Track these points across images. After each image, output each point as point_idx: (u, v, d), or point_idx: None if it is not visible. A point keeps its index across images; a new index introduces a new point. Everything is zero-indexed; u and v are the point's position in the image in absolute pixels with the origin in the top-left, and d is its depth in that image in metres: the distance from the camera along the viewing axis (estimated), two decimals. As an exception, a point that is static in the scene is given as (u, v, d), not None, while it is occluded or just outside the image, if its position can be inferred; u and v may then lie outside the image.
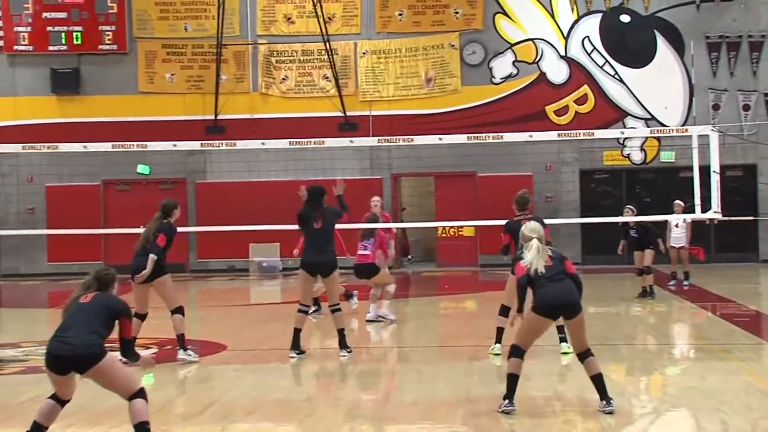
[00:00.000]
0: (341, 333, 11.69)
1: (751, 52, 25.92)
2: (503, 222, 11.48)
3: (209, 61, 26.64)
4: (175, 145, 19.14)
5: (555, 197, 25.88)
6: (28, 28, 26.77)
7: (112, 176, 26.41)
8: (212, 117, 26.39)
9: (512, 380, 8.33)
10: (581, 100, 26.19)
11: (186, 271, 25.89)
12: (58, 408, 7.15)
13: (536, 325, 8.40)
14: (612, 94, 26.17)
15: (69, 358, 6.88)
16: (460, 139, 18.87)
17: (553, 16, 26.39)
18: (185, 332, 11.64)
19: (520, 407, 8.35)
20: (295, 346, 11.60)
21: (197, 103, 26.66)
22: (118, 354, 7.27)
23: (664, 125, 25.02)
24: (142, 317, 11.50)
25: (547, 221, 11.12)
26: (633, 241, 17.95)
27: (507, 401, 8.31)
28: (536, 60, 26.40)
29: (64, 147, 19.08)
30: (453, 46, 26.47)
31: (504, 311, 11.22)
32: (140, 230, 11.89)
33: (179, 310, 11.54)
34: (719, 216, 16.70)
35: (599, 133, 21.10)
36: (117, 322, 7.14)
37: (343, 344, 11.66)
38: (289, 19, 26.91)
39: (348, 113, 26.36)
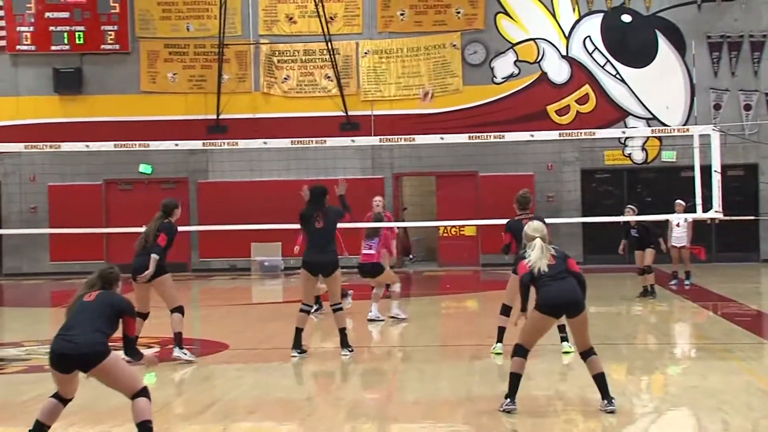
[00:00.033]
0: (343, 332, 11.72)
1: (752, 52, 25.92)
2: (504, 221, 11.51)
3: (211, 60, 26.65)
4: (177, 145, 19.23)
5: (556, 197, 25.87)
6: (31, 28, 26.80)
7: (114, 176, 26.42)
8: (214, 116, 26.40)
9: (515, 379, 8.35)
10: (582, 100, 26.19)
11: (188, 271, 25.90)
12: (61, 407, 7.17)
13: (540, 324, 8.41)
14: (613, 93, 26.17)
15: (73, 356, 6.90)
16: (462, 138, 18.91)
17: (554, 16, 26.39)
18: (183, 332, 11.61)
19: (522, 406, 8.36)
20: (297, 345, 11.62)
21: (199, 103, 26.67)
22: (121, 353, 7.29)
23: (666, 125, 25.03)
24: (143, 316, 11.49)
25: (548, 221, 11.12)
26: (634, 240, 17.96)
27: (509, 400, 8.33)
28: (537, 60, 26.40)
29: (67, 146, 19.15)
30: (454, 45, 26.47)
31: (505, 311, 11.24)
32: (142, 230, 11.90)
33: (179, 310, 11.54)
34: (720, 215, 16.70)
35: (600, 133, 21.12)
36: (121, 320, 7.17)
37: (344, 343, 11.68)
38: (290, 18, 26.92)
39: (350, 113, 26.37)
